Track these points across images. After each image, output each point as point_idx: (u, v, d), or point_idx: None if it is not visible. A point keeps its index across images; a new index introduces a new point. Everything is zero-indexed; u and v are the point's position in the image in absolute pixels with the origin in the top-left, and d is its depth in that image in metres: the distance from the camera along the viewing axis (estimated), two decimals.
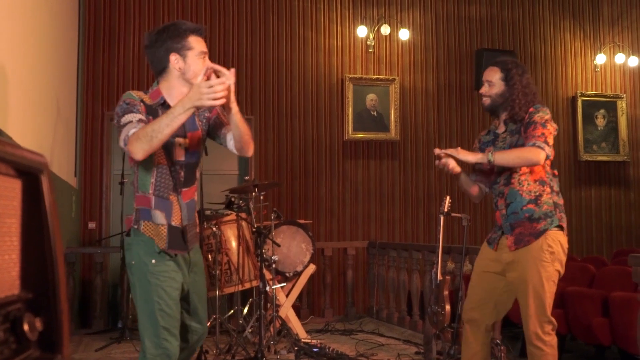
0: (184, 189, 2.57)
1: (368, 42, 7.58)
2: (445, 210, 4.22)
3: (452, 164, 3.06)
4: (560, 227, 3.03)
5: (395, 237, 7.47)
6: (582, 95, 8.37)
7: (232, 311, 5.13)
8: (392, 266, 6.09)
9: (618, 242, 8.38)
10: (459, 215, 4.30)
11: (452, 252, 4.99)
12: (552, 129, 2.98)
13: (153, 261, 2.46)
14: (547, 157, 2.94)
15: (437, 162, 3.10)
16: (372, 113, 7.53)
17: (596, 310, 4.61)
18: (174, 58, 2.52)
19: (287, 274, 5.20)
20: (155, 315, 2.43)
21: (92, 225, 6.60)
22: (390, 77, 7.61)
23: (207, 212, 4.68)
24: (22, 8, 3.52)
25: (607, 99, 8.49)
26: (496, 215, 3.16)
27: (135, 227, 2.49)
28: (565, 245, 3.05)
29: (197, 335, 2.66)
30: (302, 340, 5.00)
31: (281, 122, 7.24)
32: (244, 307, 5.20)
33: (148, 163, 2.47)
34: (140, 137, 2.31)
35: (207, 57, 2.57)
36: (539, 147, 2.90)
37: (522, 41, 8.28)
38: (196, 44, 2.53)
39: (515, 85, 3.06)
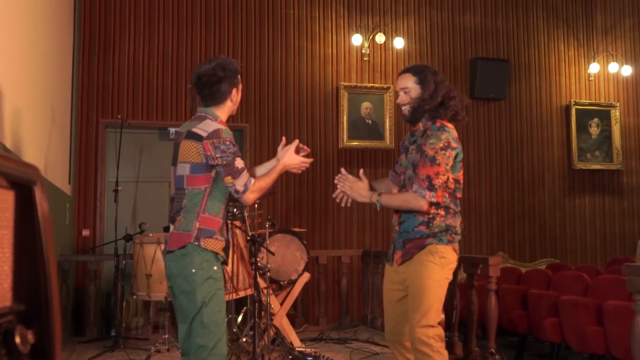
0: None
1: (363, 51, 7.60)
2: None
3: (346, 197, 3.07)
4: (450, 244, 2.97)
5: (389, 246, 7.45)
6: (576, 103, 8.41)
7: (225, 319, 5.11)
8: None
9: (612, 250, 8.40)
10: None
11: None
12: (443, 159, 2.91)
13: (215, 268, 2.80)
14: (431, 203, 2.89)
15: (334, 194, 3.14)
16: (367, 121, 7.54)
17: (590, 319, 4.61)
18: (235, 92, 2.98)
19: (282, 283, 5.19)
20: (219, 320, 2.78)
21: (86, 232, 6.57)
22: (385, 86, 7.63)
23: None
24: (16, 15, 3.52)
25: (601, 108, 8.53)
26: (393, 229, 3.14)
27: (196, 243, 2.77)
28: (455, 259, 2.99)
29: None
30: (297, 348, 4.99)
31: (276, 130, 7.24)
32: (238, 316, 5.19)
33: (223, 191, 2.86)
34: (259, 191, 2.89)
35: None
36: (419, 195, 2.88)
37: (517, 50, 8.31)
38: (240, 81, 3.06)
39: (429, 86, 3.02)
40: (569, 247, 8.31)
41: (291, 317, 5.89)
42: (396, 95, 3.15)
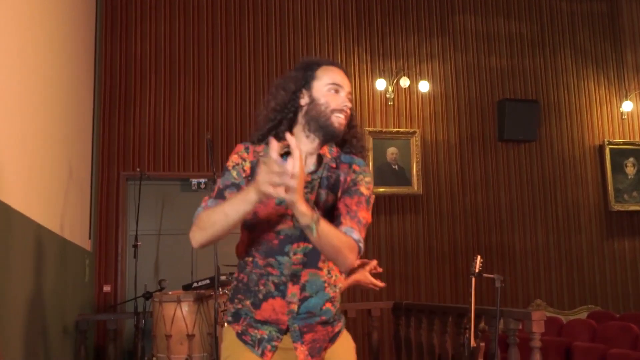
0: None
1: (387, 95, 7.44)
2: (477, 270, 3.96)
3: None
4: None
5: (421, 296, 7.15)
6: (610, 143, 8.12)
7: None
8: (419, 328, 5.77)
9: None
10: (491, 275, 4.03)
11: (485, 315, 4.66)
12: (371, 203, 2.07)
13: None
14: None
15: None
16: (393, 167, 7.33)
17: None
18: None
19: None
20: None
21: (107, 288, 6.40)
22: (411, 130, 7.44)
23: (223, 277, 4.36)
24: (37, 69, 3.41)
25: (636, 147, 8.23)
26: (271, 306, 1.95)
27: None
28: None
29: None
30: None
31: None
32: None
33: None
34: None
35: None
36: (358, 244, 1.93)
37: (545, 90, 8.09)
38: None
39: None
40: (610, 293, 7.90)
41: None
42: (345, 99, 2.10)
